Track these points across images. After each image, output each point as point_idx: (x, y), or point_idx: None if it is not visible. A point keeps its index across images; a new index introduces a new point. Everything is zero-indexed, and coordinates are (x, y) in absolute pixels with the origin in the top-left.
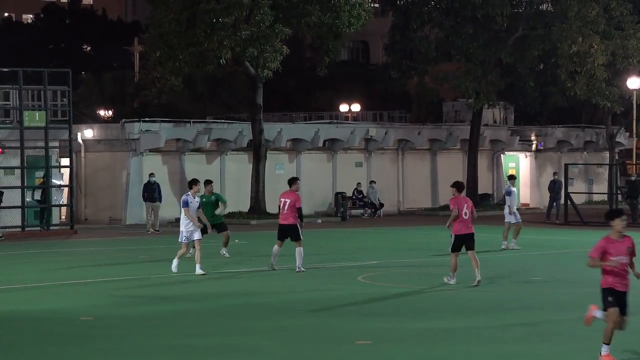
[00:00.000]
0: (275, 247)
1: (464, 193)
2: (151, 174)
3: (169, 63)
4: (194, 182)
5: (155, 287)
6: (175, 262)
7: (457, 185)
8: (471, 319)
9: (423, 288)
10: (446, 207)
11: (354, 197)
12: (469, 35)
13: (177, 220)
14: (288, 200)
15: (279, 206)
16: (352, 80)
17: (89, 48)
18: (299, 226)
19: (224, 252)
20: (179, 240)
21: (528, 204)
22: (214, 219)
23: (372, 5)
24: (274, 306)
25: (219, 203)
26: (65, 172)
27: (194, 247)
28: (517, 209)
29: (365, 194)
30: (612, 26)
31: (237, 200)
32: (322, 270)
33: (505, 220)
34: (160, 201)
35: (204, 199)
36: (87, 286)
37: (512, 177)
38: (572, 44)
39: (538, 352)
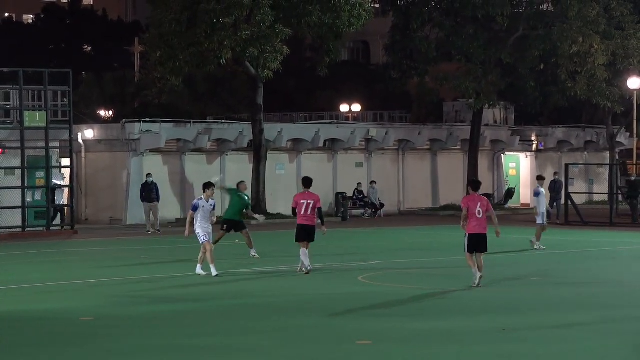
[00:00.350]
0: (303, 249)
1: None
2: (148, 174)
3: (169, 63)
4: (207, 186)
5: (155, 288)
6: (212, 267)
7: (470, 184)
8: (472, 319)
9: (424, 288)
10: (447, 207)
11: (354, 198)
12: (469, 35)
13: (178, 220)
14: (312, 202)
15: (294, 208)
16: (352, 80)
17: (89, 48)
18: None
19: (254, 254)
20: (201, 242)
21: (528, 204)
22: (238, 216)
23: (373, 6)
24: (274, 306)
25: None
26: (66, 172)
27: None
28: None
29: (365, 194)
30: (612, 26)
31: None
32: (322, 271)
33: (538, 222)
34: (158, 201)
35: (239, 195)
36: (88, 286)
37: (540, 178)
38: (572, 44)
39: (538, 352)
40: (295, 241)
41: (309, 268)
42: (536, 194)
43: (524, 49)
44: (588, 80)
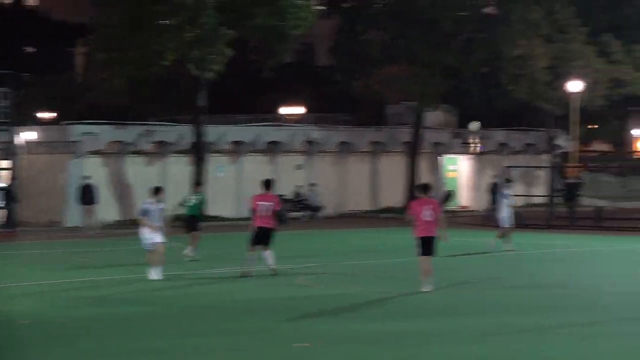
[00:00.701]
0: (250, 254)
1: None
2: (86, 177)
3: (113, 65)
4: (157, 190)
5: (96, 292)
6: (152, 270)
7: (418, 188)
8: (411, 321)
9: (362, 290)
10: (387, 210)
11: (294, 200)
12: (414, 38)
13: (117, 222)
14: (270, 203)
15: (254, 209)
16: (298, 82)
17: (32, 49)
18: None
19: (189, 253)
20: (145, 248)
21: (468, 207)
22: (198, 212)
23: (318, 8)
24: (213, 309)
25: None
26: (6, 174)
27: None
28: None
29: (305, 196)
30: (555, 29)
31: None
32: (260, 273)
33: (508, 225)
34: (96, 203)
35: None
36: (30, 289)
37: (508, 181)
38: (515, 47)
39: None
40: (251, 244)
41: (251, 273)
42: (505, 196)
43: (469, 52)
44: (530, 83)
